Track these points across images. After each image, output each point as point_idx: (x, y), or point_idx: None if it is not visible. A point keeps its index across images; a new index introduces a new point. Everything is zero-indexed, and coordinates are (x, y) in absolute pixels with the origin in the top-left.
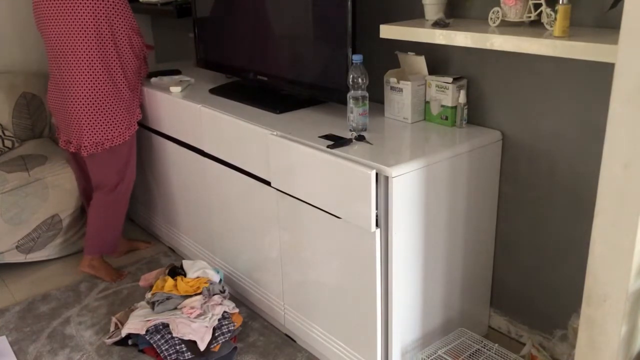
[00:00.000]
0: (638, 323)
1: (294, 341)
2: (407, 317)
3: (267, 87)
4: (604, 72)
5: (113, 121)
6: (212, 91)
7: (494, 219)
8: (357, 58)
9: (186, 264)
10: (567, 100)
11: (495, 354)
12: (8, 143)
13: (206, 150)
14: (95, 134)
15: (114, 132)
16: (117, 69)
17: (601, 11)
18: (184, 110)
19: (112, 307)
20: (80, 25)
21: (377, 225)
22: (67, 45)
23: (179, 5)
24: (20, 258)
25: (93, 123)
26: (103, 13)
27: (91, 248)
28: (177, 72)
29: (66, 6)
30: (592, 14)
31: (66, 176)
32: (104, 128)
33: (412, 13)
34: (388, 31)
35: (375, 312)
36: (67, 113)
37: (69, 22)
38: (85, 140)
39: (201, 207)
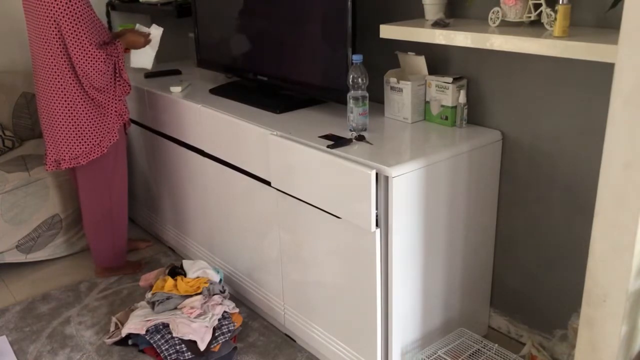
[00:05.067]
0: (638, 323)
1: (294, 341)
2: (407, 317)
3: (267, 87)
4: (604, 72)
5: (66, 139)
6: (212, 91)
7: (494, 219)
8: (357, 58)
9: (186, 264)
10: (567, 100)
11: (495, 354)
12: (8, 143)
13: (206, 150)
14: (53, 150)
15: (71, 152)
16: (71, 80)
17: (601, 11)
18: (184, 110)
19: (112, 307)
20: (39, 30)
21: (377, 225)
22: (32, 50)
23: (179, 5)
24: (20, 258)
25: (51, 139)
26: (52, 18)
27: (100, 262)
28: (177, 72)
29: (34, 7)
30: (592, 14)
31: (66, 176)
32: (59, 145)
33: (412, 13)
34: (388, 31)
35: (375, 312)
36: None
37: (34, 26)
38: (47, 156)
39: (201, 207)
